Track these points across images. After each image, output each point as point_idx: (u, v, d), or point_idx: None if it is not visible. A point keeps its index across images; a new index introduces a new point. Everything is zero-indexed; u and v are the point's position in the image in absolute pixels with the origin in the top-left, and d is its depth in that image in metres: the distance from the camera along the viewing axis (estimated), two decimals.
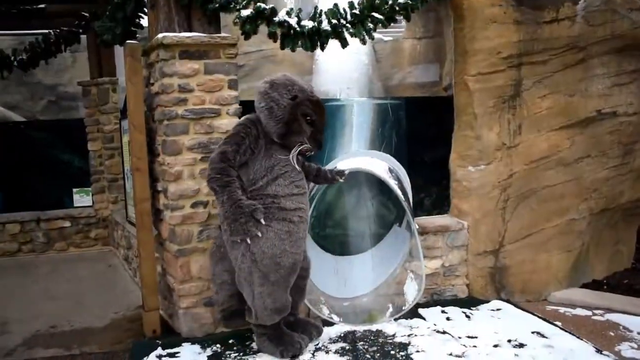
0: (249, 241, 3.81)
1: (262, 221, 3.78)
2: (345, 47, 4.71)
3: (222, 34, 4.51)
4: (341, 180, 4.39)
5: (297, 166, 3.97)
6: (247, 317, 4.11)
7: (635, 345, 4.31)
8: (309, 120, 3.92)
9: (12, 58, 7.27)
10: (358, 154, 4.98)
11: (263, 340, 4.09)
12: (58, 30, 7.36)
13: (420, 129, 6.51)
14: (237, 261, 3.97)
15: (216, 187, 3.82)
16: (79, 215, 7.90)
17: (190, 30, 4.50)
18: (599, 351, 4.09)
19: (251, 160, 3.94)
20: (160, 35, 4.31)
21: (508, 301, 5.18)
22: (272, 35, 4.56)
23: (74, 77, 9.09)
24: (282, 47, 4.61)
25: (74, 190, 8.00)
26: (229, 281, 4.15)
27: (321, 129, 4.02)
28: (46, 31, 7.42)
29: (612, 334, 4.54)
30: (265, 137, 3.95)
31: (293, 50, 4.62)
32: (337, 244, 5.27)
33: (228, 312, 4.24)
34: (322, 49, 4.68)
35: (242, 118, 4.11)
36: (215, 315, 4.43)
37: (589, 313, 4.99)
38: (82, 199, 7.98)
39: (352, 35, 4.69)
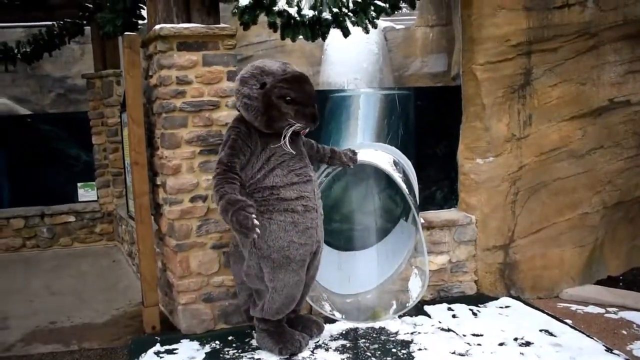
0: (256, 236, 3.61)
1: (254, 216, 3.57)
2: (347, 36, 4.56)
3: (221, 25, 4.41)
4: (351, 166, 4.43)
5: (291, 150, 3.79)
6: (252, 310, 4.04)
7: None
8: (288, 100, 3.73)
9: (16, 50, 7.22)
10: (362, 146, 4.85)
11: (263, 336, 4.01)
12: (62, 22, 7.29)
13: (429, 119, 6.32)
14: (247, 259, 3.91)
15: (215, 191, 3.71)
16: (84, 210, 7.86)
17: (189, 21, 4.41)
18: (609, 350, 3.94)
19: (252, 158, 3.83)
20: (157, 27, 4.23)
21: (518, 298, 5.03)
22: (272, 25, 4.45)
23: (83, 70, 9.02)
24: (282, 37, 4.49)
25: (79, 184, 7.96)
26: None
27: (306, 102, 3.78)
28: (50, 23, 7.36)
29: (624, 332, 4.37)
30: (258, 130, 3.83)
31: (293, 40, 4.50)
32: (343, 239, 5.15)
33: (249, 313, 4.20)
34: (324, 38, 4.56)
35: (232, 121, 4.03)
36: (242, 314, 4.38)
37: (602, 311, 4.81)
38: (86, 193, 7.93)
39: (354, 24, 4.54)
